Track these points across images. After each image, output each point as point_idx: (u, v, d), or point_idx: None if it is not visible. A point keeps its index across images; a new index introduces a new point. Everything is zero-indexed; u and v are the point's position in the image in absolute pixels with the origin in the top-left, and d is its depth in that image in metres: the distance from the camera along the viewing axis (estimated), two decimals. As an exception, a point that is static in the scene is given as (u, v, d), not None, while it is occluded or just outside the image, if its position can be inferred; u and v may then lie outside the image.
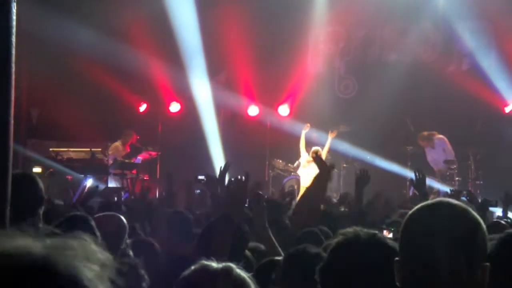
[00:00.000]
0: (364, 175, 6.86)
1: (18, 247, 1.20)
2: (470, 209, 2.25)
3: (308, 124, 17.16)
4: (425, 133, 16.71)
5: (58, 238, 1.25)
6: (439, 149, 16.73)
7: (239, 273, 2.29)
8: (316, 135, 17.37)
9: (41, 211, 4.06)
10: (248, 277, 2.31)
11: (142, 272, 3.90)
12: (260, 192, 5.75)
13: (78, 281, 1.18)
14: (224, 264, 2.30)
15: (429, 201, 2.33)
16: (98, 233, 3.68)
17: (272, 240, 5.04)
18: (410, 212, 2.29)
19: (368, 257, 2.65)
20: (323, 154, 15.62)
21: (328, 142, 16.46)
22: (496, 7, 17.14)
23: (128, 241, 4.77)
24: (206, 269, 2.29)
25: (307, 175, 15.41)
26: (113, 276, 1.25)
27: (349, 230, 2.81)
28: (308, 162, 15.81)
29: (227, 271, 2.28)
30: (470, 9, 17.76)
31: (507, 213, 7.84)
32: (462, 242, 2.16)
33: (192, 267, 2.31)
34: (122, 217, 4.76)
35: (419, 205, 2.29)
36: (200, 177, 7.27)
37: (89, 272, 1.21)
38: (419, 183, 6.57)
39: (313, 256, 3.51)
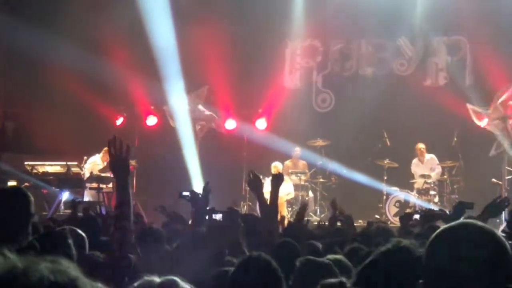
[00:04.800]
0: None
1: None
2: (496, 231, 2.22)
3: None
4: (424, 146, 16.88)
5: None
6: (427, 166, 16.88)
7: (184, 286, 2.27)
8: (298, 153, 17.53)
9: (30, 225, 4.06)
10: None
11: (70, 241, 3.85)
12: (236, 208, 5.76)
13: None
14: (167, 277, 2.28)
15: (454, 223, 2.27)
16: (74, 251, 3.65)
17: (244, 251, 5.06)
18: (435, 234, 2.24)
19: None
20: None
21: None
22: (471, 22, 17.27)
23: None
24: (150, 284, 2.27)
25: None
26: None
27: (403, 240, 2.91)
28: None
29: (172, 285, 2.26)
30: (445, 24, 17.93)
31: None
32: (488, 267, 2.11)
33: (136, 283, 2.29)
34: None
35: (443, 227, 2.26)
36: (185, 193, 7.22)
37: None
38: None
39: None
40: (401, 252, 2.80)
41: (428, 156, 16.99)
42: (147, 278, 2.29)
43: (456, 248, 2.13)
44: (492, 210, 5.83)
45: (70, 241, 3.75)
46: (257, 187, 6.56)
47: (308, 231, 7.56)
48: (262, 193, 6.60)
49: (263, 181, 6.37)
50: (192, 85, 18.44)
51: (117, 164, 4.23)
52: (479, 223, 2.27)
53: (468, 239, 2.15)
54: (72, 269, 1.44)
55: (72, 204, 9.05)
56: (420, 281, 2.20)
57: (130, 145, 4.46)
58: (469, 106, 17.07)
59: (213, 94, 18.61)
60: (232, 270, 3.05)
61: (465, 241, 2.15)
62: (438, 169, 16.78)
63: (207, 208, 6.79)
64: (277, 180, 6.66)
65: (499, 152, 17.04)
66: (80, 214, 9.52)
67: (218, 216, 6.63)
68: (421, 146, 16.99)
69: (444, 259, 2.15)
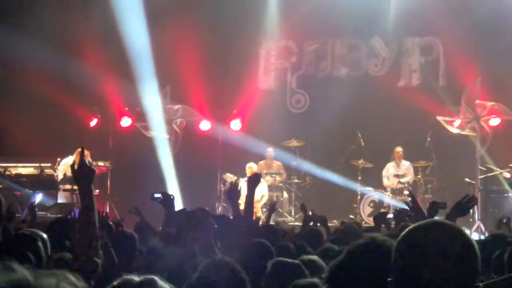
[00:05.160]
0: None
1: None
2: (463, 229, 2.24)
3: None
4: (402, 150, 16.98)
5: None
6: (402, 169, 16.98)
7: (163, 285, 2.27)
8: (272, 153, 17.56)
9: (1, 227, 4.05)
10: None
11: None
12: (207, 208, 5.78)
13: None
14: (146, 276, 2.28)
15: (421, 222, 2.29)
16: (44, 254, 3.64)
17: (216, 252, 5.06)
18: (403, 233, 2.26)
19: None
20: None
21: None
22: (444, 23, 17.40)
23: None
24: (129, 283, 2.27)
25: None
26: None
27: (373, 235, 2.92)
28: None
29: (150, 283, 2.26)
30: (419, 25, 18.03)
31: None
32: (456, 264, 2.13)
33: (115, 282, 2.29)
34: None
35: (412, 226, 2.27)
36: (157, 195, 7.20)
37: None
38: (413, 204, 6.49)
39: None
40: (373, 247, 2.81)
41: (406, 163, 17.09)
42: (126, 277, 2.28)
43: (423, 246, 2.16)
44: (460, 209, 5.87)
45: (40, 243, 3.74)
46: (254, 184, 6.67)
47: (282, 231, 7.58)
48: (253, 192, 6.69)
49: (238, 181, 6.43)
50: (166, 86, 18.37)
51: (82, 170, 4.27)
52: (447, 221, 2.29)
53: (436, 238, 2.17)
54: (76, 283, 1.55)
55: (29, 208, 8.99)
56: (389, 279, 2.21)
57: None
58: (439, 118, 17.13)
59: (178, 91, 18.49)
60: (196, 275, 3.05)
61: (432, 239, 2.17)
62: (412, 177, 16.91)
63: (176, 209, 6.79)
64: (254, 181, 6.69)
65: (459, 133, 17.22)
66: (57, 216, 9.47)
67: None
68: (399, 149, 17.10)
69: (412, 258, 2.17)
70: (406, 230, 2.26)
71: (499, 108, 16.88)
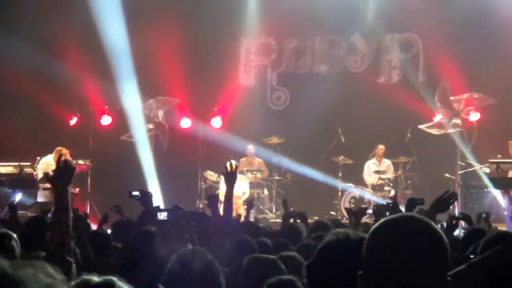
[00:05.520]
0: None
1: None
2: (433, 223, 2.24)
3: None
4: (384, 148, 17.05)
5: None
6: (383, 166, 17.07)
7: (121, 286, 2.27)
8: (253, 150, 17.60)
9: None
10: None
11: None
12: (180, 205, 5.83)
13: None
14: (105, 277, 2.27)
15: (393, 216, 2.30)
16: (18, 251, 3.64)
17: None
18: (374, 227, 2.27)
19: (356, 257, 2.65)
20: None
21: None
22: (423, 19, 17.47)
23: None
24: (87, 283, 2.26)
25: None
26: None
27: (340, 230, 2.93)
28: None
29: (109, 285, 2.25)
30: (398, 21, 18.11)
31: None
32: (425, 258, 2.13)
33: (73, 283, 2.28)
34: None
35: (382, 220, 2.28)
36: (135, 193, 7.19)
37: None
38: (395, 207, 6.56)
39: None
40: (341, 241, 2.84)
41: (387, 161, 17.17)
42: (85, 277, 2.27)
43: (392, 240, 2.17)
44: (440, 205, 5.90)
45: (14, 242, 3.74)
46: (231, 181, 6.70)
47: (262, 228, 7.59)
48: (232, 189, 6.72)
49: (218, 179, 6.47)
50: (146, 85, 18.32)
51: (62, 171, 4.30)
52: (417, 215, 2.30)
53: (405, 231, 2.18)
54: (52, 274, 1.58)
55: (10, 207, 8.97)
56: (359, 272, 2.23)
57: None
58: (421, 127, 17.27)
59: (160, 89, 18.49)
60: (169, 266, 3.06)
61: (401, 232, 2.18)
62: (392, 174, 17.00)
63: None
64: (230, 177, 6.72)
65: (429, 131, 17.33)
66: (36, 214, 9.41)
67: (163, 214, 6.63)
68: (382, 147, 17.18)
69: (381, 251, 2.18)
70: (377, 223, 2.28)
71: (473, 97, 17.04)
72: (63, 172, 4.33)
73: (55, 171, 4.36)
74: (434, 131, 17.29)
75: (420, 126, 17.22)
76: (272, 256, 4.47)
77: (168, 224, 6.18)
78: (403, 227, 2.20)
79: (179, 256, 3.41)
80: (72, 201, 9.45)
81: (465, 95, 17.09)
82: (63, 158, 4.46)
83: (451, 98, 17.16)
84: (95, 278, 2.26)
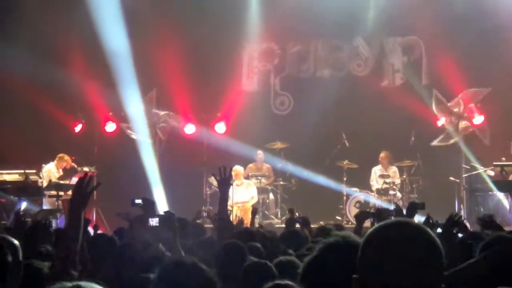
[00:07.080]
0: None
1: None
2: (428, 230, 2.25)
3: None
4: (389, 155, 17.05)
5: None
6: (389, 172, 17.07)
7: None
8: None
9: None
10: None
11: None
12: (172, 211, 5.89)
13: None
14: (76, 283, 2.29)
15: (387, 221, 2.30)
16: (9, 259, 3.64)
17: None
18: (369, 232, 2.27)
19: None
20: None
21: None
22: (425, 23, 17.47)
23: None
24: None
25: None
26: None
27: (338, 233, 2.91)
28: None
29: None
30: (400, 25, 18.10)
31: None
32: (420, 264, 2.14)
33: None
34: None
35: (377, 226, 2.29)
36: (137, 201, 7.22)
37: None
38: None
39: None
40: (338, 244, 2.84)
41: (393, 168, 17.13)
42: (58, 284, 2.29)
43: (386, 246, 2.17)
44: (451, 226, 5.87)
45: (7, 250, 3.75)
46: (225, 186, 6.73)
47: (259, 233, 7.57)
48: (226, 194, 6.74)
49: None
50: (149, 90, 18.38)
51: (77, 198, 4.30)
52: (411, 221, 2.31)
53: (400, 237, 2.19)
54: None
55: (15, 215, 8.99)
56: (354, 276, 2.24)
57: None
58: (434, 144, 17.45)
59: (163, 96, 18.55)
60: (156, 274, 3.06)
61: (397, 238, 2.18)
62: (398, 180, 16.97)
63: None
64: (224, 184, 6.74)
65: (443, 145, 17.36)
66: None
67: (154, 220, 6.66)
68: (382, 155, 17.15)
69: (375, 256, 2.19)
70: (371, 229, 2.29)
71: (468, 93, 17.12)
72: (81, 195, 4.31)
73: (73, 194, 4.35)
74: (446, 143, 17.39)
75: (433, 144, 17.32)
76: (264, 261, 4.48)
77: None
78: (397, 234, 2.20)
79: (167, 265, 3.38)
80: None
81: (460, 94, 17.17)
82: (87, 178, 4.36)
83: (448, 104, 17.21)
84: (68, 284, 2.27)
